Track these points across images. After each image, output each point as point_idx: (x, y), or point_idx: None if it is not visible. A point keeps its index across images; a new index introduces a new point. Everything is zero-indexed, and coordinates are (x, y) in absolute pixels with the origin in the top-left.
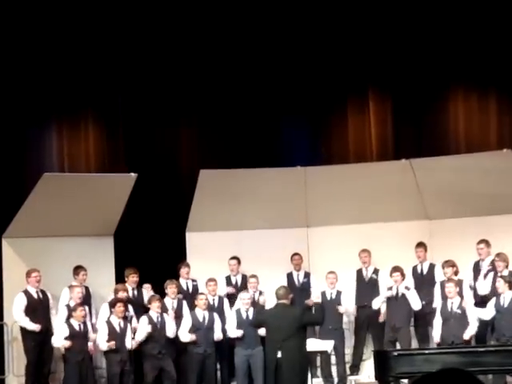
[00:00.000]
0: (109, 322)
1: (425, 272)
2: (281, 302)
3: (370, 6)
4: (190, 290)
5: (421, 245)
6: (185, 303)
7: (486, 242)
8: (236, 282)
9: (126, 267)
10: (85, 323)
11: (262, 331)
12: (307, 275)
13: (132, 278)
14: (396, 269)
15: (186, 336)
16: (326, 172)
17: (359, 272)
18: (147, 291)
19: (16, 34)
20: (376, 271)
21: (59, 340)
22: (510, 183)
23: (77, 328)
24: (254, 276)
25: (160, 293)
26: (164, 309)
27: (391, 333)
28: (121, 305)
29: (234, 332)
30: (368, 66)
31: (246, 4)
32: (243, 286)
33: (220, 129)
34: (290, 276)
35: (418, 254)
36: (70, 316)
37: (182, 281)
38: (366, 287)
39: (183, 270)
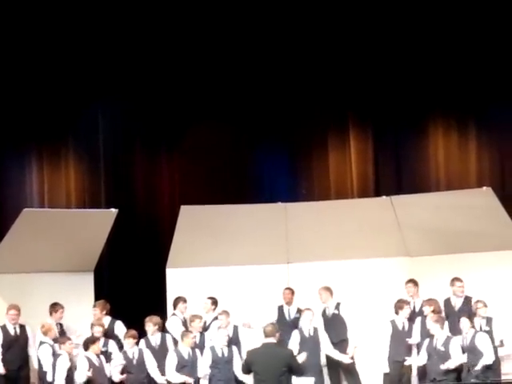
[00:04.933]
0: (88, 358)
1: (417, 309)
2: (267, 342)
3: (350, 40)
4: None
5: (410, 281)
6: (169, 338)
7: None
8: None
9: (96, 300)
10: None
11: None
12: (299, 311)
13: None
14: (406, 302)
15: (175, 377)
16: (307, 208)
17: (323, 310)
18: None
19: None
20: (337, 306)
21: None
22: (489, 221)
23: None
24: (224, 313)
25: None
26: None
27: (395, 368)
28: (98, 342)
29: (204, 370)
30: (348, 104)
31: (218, 49)
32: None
33: (201, 165)
34: (280, 309)
35: (408, 289)
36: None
37: (180, 315)
38: (331, 323)
39: (182, 305)
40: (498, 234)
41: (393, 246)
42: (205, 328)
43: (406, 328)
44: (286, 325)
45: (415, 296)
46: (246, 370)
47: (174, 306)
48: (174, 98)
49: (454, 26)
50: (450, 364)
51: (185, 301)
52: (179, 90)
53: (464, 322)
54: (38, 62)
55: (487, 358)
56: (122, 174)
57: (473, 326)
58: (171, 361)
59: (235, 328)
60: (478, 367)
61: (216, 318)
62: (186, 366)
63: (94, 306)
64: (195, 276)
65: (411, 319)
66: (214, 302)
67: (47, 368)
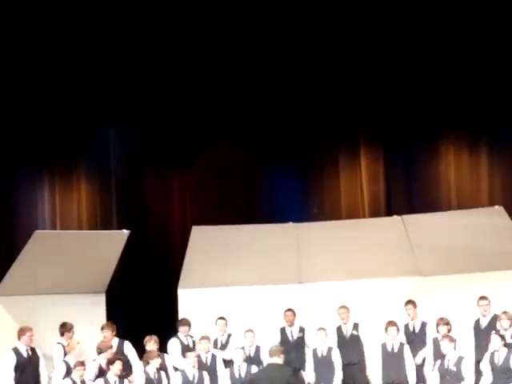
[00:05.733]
0: (106, 380)
1: (417, 330)
2: (271, 362)
3: (361, 60)
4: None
5: (409, 302)
6: (168, 358)
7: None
8: (221, 342)
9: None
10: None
11: None
12: (302, 330)
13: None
14: (392, 323)
15: None
16: (318, 228)
17: (339, 329)
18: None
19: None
20: (356, 326)
21: None
22: (501, 240)
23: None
24: (250, 330)
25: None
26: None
27: None
28: (120, 363)
29: None
30: (359, 124)
31: (227, 63)
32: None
33: (212, 185)
34: (283, 331)
35: (408, 311)
36: (68, 372)
37: (182, 337)
38: (348, 344)
39: (183, 328)
40: (510, 252)
41: (404, 266)
42: (222, 348)
43: (396, 349)
44: (289, 346)
45: (415, 317)
46: None
47: (177, 328)
48: (185, 118)
49: (467, 44)
50: None
51: (187, 323)
52: (191, 111)
53: (495, 340)
54: (49, 83)
55: None
56: (134, 195)
57: (504, 344)
58: (176, 382)
59: (257, 348)
60: None
61: (229, 336)
62: None
63: (103, 329)
64: (207, 297)
65: (411, 341)
66: (226, 322)
67: None
